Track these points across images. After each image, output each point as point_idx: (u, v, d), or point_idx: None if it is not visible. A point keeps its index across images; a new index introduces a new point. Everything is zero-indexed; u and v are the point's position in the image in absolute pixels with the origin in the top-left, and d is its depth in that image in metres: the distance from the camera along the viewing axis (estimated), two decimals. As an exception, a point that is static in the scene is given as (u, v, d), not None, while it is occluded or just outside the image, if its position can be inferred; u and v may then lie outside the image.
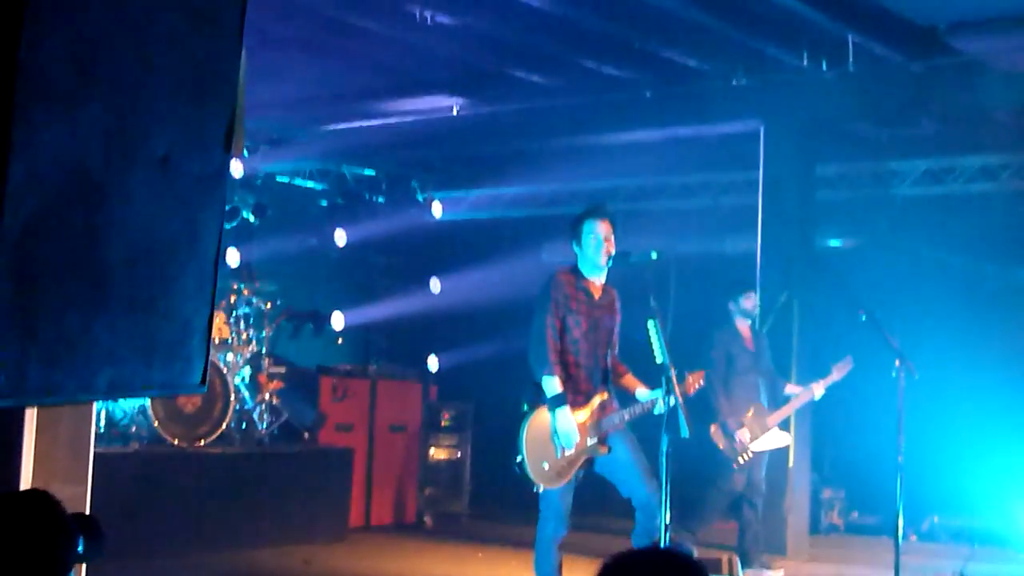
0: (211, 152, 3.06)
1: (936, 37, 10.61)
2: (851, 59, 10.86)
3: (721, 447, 10.13)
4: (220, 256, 3.23)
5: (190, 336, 3.10)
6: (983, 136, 12.51)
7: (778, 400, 10.34)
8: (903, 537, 9.69)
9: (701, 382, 7.25)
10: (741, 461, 10.07)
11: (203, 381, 3.21)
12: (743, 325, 10.40)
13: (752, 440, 10.05)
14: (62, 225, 2.64)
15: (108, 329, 2.82)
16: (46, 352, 2.62)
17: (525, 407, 7.27)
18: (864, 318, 10.03)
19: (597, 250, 7.28)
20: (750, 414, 10.09)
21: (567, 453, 7.15)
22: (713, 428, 10.15)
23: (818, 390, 10.13)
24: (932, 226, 13.44)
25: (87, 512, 4.81)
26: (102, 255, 2.77)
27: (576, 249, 7.39)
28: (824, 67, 11.11)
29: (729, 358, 10.25)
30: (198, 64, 2.97)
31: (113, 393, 2.85)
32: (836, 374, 10.11)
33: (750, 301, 10.36)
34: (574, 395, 7.28)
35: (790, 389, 10.38)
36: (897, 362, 9.65)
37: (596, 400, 7.28)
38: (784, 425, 10.33)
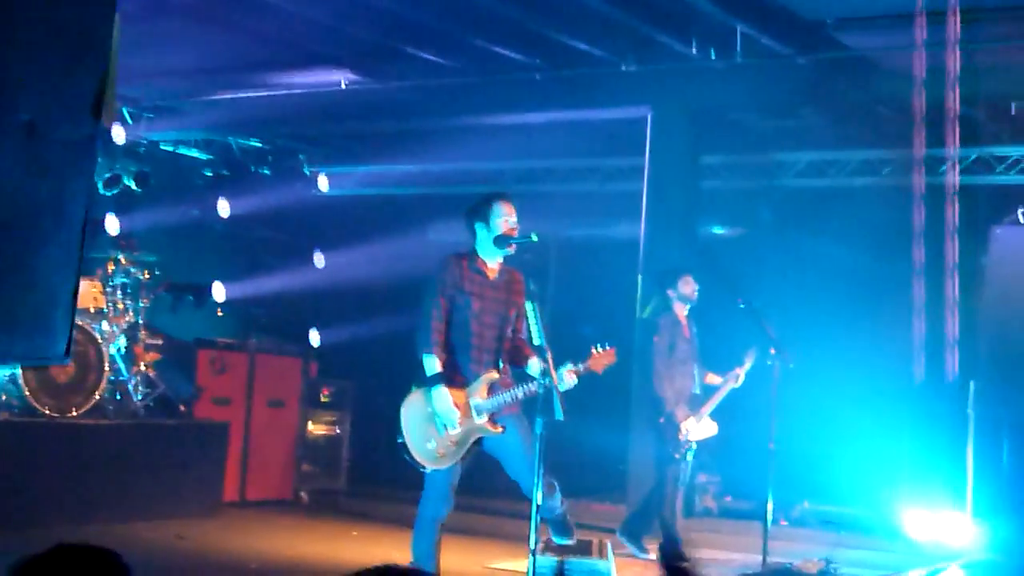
0: (80, 119, 2.99)
1: (824, 32, 10.78)
2: (739, 50, 10.97)
3: (667, 438, 10.10)
4: (88, 226, 3.15)
5: (54, 307, 3.03)
6: (866, 131, 12.72)
7: (707, 388, 10.33)
8: (773, 522, 9.86)
9: (612, 358, 7.25)
10: (683, 454, 10.06)
11: (67, 352, 3.14)
12: (681, 311, 10.32)
13: (694, 430, 10.06)
14: (-82, 190, 2.56)
15: (-33, 297, 2.75)
16: (-101, 319, 2.54)
17: (413, 387, 7.26)
18: (743, 306, 10.16)
19: (507, 230, 7.28)
20: (687, 404, 10.10)
21: (452, 432, 7.15)
22: (661, 420, 10.12)
23: (740, 378, 10.12)
24: (814, 218, 13.63)
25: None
26: (-38, 221, 2.70)
27: (481, 230, 7.35)
28: (713, 56, 11.21)
29: (672, 346, 10.21)
30: (68, 29, 2.90)
31: (-30, 363, 2.78)
32: (748, 362, 10.12)
33: (688, 286, 10.23)
34: (462, 375, 7.27)
35: (710, 379, 10.36)
36: (772, 350, 9.79)
37: (484, 380, 7.26)
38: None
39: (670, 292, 10.29)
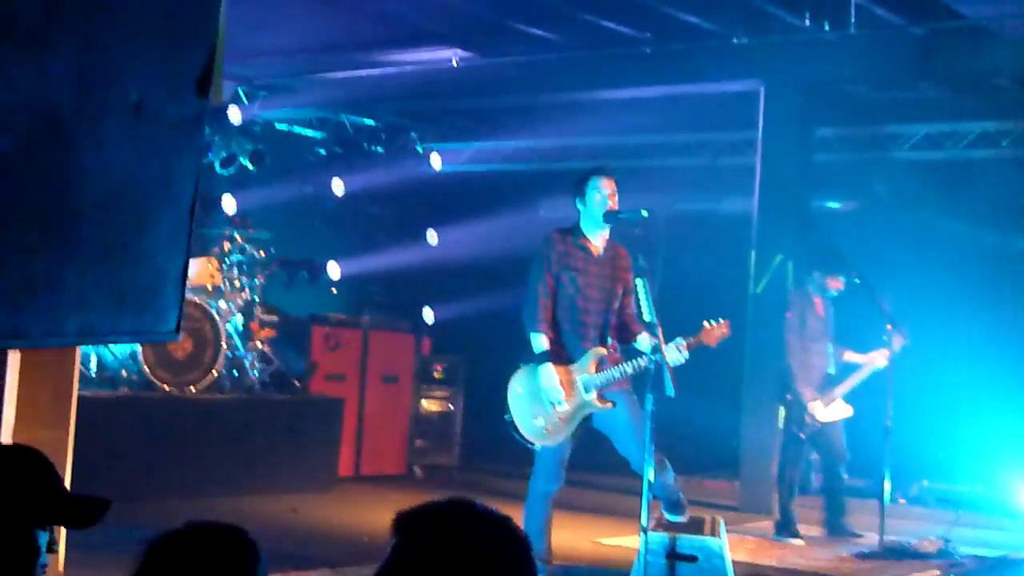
0: (186, 98, 3.03)
1: (939, 1, 10.55)
2: (853, 21, 10.78)
3: (793, 417, 10.00)
4: (200, 204, 3.20)
5: (163, 284, 3.08)
6: (984, 102, 12.45)
7: (843, 368, 10.15)
8: (891, 500, 9.75)
9: (726, 331, 7.21)
10: (808, 432, 9.94)
11: (177, 329, 3.19)
12: (816, 296, 10.17)
13: (823, 411, 9.94)
14: (31, 169, 2.62)
15: (78, 275, 2.80)
16: (11, 296, 2.60)
17: (520, 365, 7.29)
18: (858, 281, 10.03)
19: (602, 206, 7.27)
20: (819, 384, 9.97)
21: (559, 409, 7.16)
22: (788, 397, 10.02)
23: (880, 360, 9.93)
24: (930, 191, 13.39)
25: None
26: (73, 201, 2.75)
27: (580, 206, 7.38)
28: (826, 28, 11.04)
29: (803, 322, 10.06)
30: (173, 9, 2.94)
31: (83, 339, 2.84)
32: (896, 346, 9.92)
33: (836, 283, 10.08)
34: (569, 351, 7.28)
35: (849, 357, 10.19)
36: (888, 326, 9.66)
37: (592, 356, 7.26)
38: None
39: (816, 275, 10.09)
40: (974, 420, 12.29)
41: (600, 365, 7.27)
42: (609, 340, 7.41)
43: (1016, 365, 12.18)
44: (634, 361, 7.18)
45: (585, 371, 7.24)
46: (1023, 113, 12.29)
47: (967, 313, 12.22)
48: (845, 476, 10.12)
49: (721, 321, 7.21)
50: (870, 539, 9.74)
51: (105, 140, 2.77)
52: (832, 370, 10.10)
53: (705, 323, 7.18)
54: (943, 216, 13.36)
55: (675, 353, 6.91)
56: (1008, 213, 13.04)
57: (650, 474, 6.58)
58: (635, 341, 7.40)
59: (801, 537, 10.06)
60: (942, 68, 11.46)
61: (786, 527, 10.11)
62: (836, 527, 10.12)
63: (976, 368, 12.31)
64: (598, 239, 7.40)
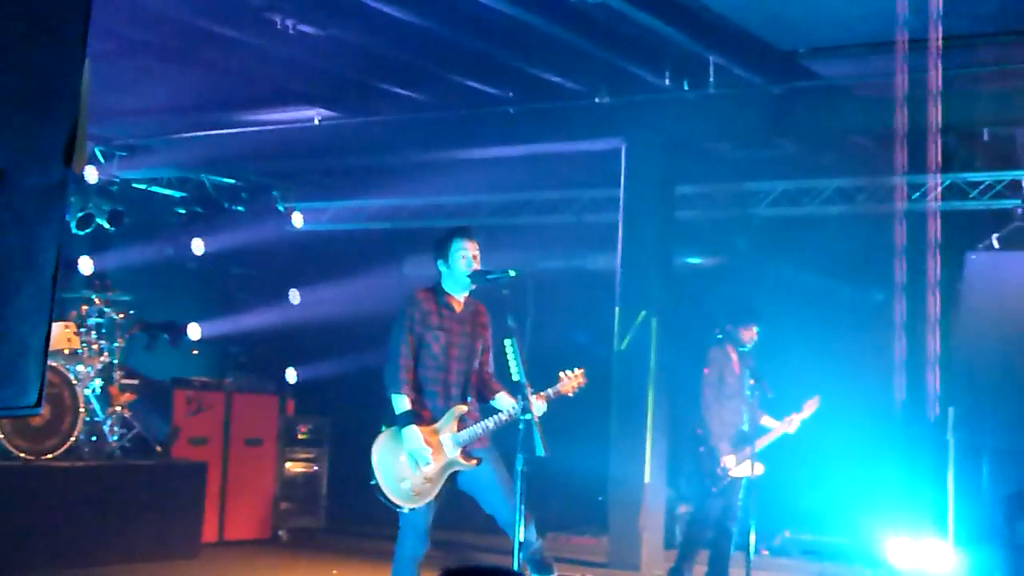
0: (50, 165, 2.94)
1: (796, 61, 10.80)
2: (712, 80, 10.99)
3: (705, 471, 10.02)
4: (59, 272, 3.10)
5: (25, 357, 2.97)
6: (840, 159, 12.75)
7: (757, 426, 10.23)
8: (755, 552, 9.82)
9: (582, 380, 7.25)
10: (719, 486, 9.96)
11: (38, 402, 3.08)
12: (731, 349, 10.24)
13: (735, 467, 9.97)
14: None
15: (-64, 349, 2.69)
16: None
17: (383, 427, 7.22)
18: (720, 336, 10.17)
19: (467, 268, 7.27)
20: (733, 440, 10.02)
21: (426, 470, 7.10)
22: (701, 449, 10.05)
23: (794, 424, 10.03)
24: (789, 246, 13.65)
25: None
26: (-70, 272, 2.65)
27: (443, 267, 7.37)
28: (686, 87, 11.23)
29: (720, 379, 10.12)
30: (36, 74, 2.85)
31: (-60, 416, 2.73)
32: (807, 411, 10.06)
33: (749, 333, 10.16)
34: (431, 411, 7.25)
35: (765, 421, 10.27)
36: (751, 381, 9.77)
37: (454, 414, 7.24)
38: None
39: (728, 327, 10.17)
40: (834, 470, 12.48)
41: (462, 423, 7.25)
42: (469, 398, 7.40)
43: (875, 416, 12.42)
44: (495, 417, 7.19)
45: (448, 429, 7.22)
46: (877, 169, 12.60)
47: (827, 365, 12.42)
48: (733, 532, 10.17)
49: (576, 371, 7.27)
50: None
51: (-35, 210, 2.68)
52: (746, 427, 10.17)
53: (561, 374, 7.24)
54: (802, 270, 13.62)
55: (536, 404, 6.90)
56: (864, 266, 13.34)
57: (521, 533, 6.56)
58: (493, 399, 7.41)
59: None
60: (799, 126, 11.72)
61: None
62: None
63: (835, 418, 12.50)
64: (460, 297, 7.41)
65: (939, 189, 11.96)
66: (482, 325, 7.48)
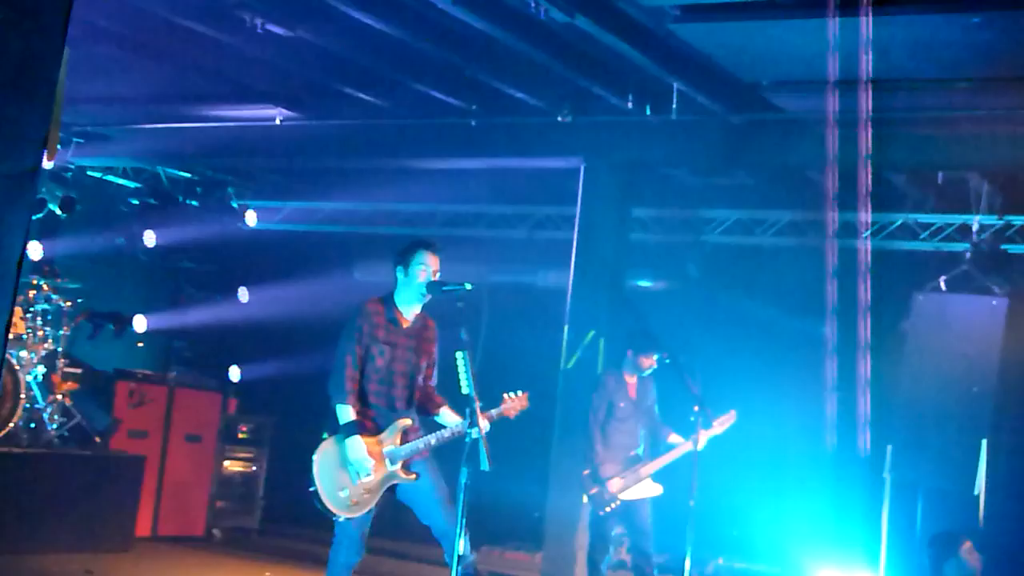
0: (25, 151, 2.95)
1: (758, 93, 10.89)
2: (675, 106, 11.07)
3: (592, 493, 10.08)
4: (24, 257, 3.10)
5: (-15, 341, 2.97)
6: (794, 192, 12.86)
7: (659, 448, 10.27)
8: (688, 578, 9.87)
9: (525, 403, 7.29)
10: (608, 509, 10.01)
11: (-5, 387, 3.08)
12: (630, 376, 10.30)
13: (623, 489, 10.00)
14: None
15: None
16: None
17: (324, 435, 7.22)
18: (667, 361, 10.22)
19: (425, 281, 7.28)
20: (623, 463, 10.06)
21: (365, 481, 7.10)
22: (585, 473, 10.11)
23: (701, 441, 10.04)
24: (739, 275, 13.74)
25: None
26: None
27: (401, 275, 7.37)
28: (648, 111, 11.30)
29: (610, 405, 10.15)
30: (17, 62, 2.86)
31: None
32: (718, 427, 10.09)
33: (648, 361, 10.20)
34: (374, 423, 7.25)
35: (673, 439, 10.30)
36: (695, 407, 9.83)
37: (397, 427, 7.26)
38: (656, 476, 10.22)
39: (629, 354, 10.23)
40: (771, 499, 12.57)
41: (404, 437, 7.27)
42: (412, 411, 7.42)
43: (812, 449, 12.52)
44: (438, 433, 7.23)
45: (391, 442, 7.23)
46: (826, 204, 12.70)
47: (768, 395, 12.51)
48: (653, 554, 10.20)
49: (520, 393, 7.32)
50: None
51: (-65, 191, 2.68)
52: (640, 451, 10.23)
53: (505, 396, 7.28)
54: (750, 299, 13.72)
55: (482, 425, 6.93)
56: (809, 299, 13.44)
57: (460, 546, 6.58)
58: (438, 414, 7.44)
59: None
60: (756, 157, 11.81)
61: None
62: None
63: (775, 449, 12.62)
64: (411, 311, 7.41)
65: (869, 242, 12.05)
66: (428, 340, 7.50)
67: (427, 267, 7.31)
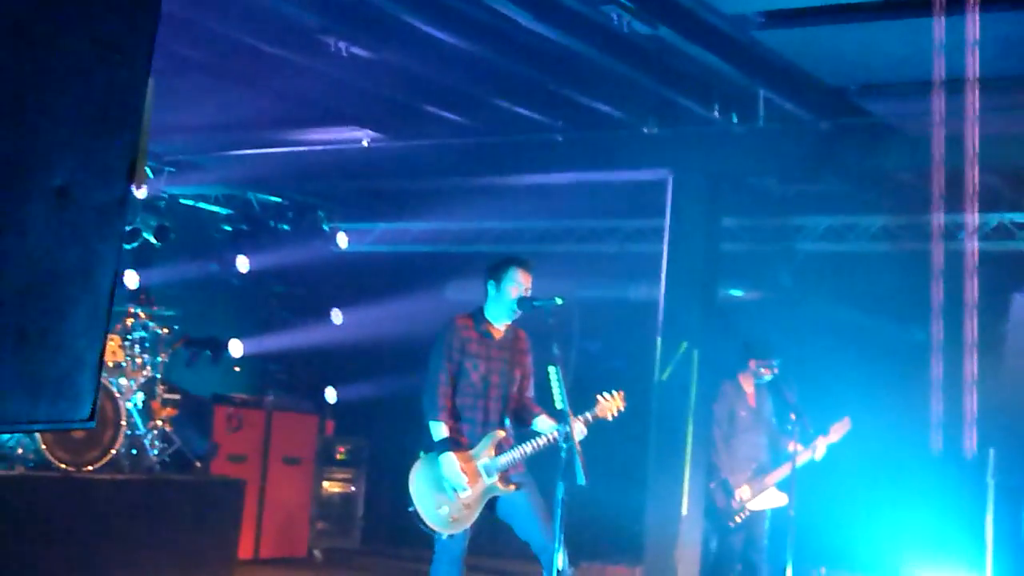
0: (112, 183, 2.97)
1: (846, 97, 10.77)
2: (761, 114, 10.98)
3: (720, 505, 10.06)
4: (116, 288, 3.14)
5: (80, 371, 3.00)
6: (885, 196, 12.69)
7: (780, 458, 10.24)
8: (792, 588, 9.78)
9: (621, 405, 7.24)
10: (738, 520, 9.99)
11: (92, 416, 3.11)
12: (747, 382, 10.29)
13: (751, 499, 9.98)
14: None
15: (-6, 362, 2.72)
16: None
17: (420, 453, 7.22)
18: (778, 371, 10.16)
19: (516, 298, 7.28)
20: (750, 472, 10.04)
21: (463, 496, 7.10)
22: (712, 485, 10.10)
23: (820, 449, 9.99)
24: (832, 282, 13.59)
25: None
26: (-8, 287, 2.68)
27: (492, 291, 7.37)
28: (735, 120, 11.22)
29: (732, 414, 10.16)
30: (103, 94, 2.89)
31: (-3, 428, 2.75)
32: (834, 435, 10.05)
33: (765, 368, 10.21)
34: (469, 437, 7.25)
35: (792, 447, 10.27)
36: (792, 416, 9.74)
37: (491, 439, 7.25)
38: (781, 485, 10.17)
39: (751, 364, 10.22)
40: (873, 508, 12.40)
41: (499, 448, 7.26)
42: (507, 423, 7.40)
43: (914, 454, 12.33)
44: (533, 441, 7.18)
45: (486, 455, 7.22)
46: (921, 208, 12.53)
47: (868, 403, 12.34)
48: (764, 569, 10.11)
49: (615, 393, 7.26)
50: None
51: (28, 226, 2.71)
52: (764, 459, 10.18)
53: (599, 397, 7.23)
54: (844, 307, 13.55)
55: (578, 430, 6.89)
56: (906, 305, 13.25)
57: (559, 561, 6.55)
58: (533, 424, 7.41)
59: None
60: (846, 162, 11.67)
61: None
62: None
63: (876, 457, 12.45)
64: (501, 325, 7.40)
65: (976, 238, 11.85)
66: (522, 351, 7.49)
67: (519, 284, 7.31)
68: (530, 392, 7.54)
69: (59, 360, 2.96)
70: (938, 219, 11.59)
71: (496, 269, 7.42)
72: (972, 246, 11.65)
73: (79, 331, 3.00)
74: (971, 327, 11.38)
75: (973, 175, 10.88)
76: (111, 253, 3.06)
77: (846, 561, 13.07)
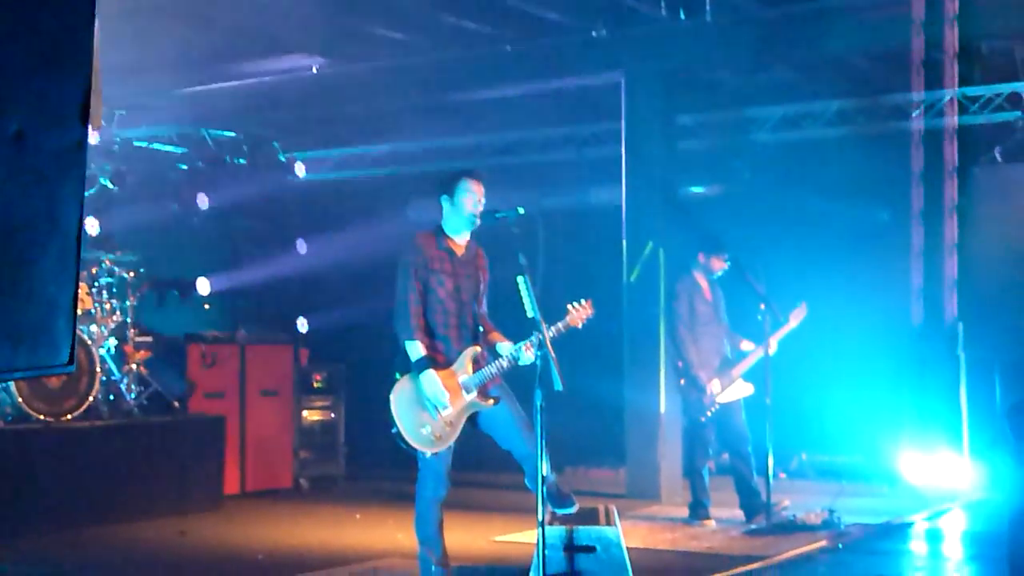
0: (68, 125, 2.97)
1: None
2: (708, 8, 10.97)
3: (691, 400, 10.19)
4: (82, 231, 3.14)
5: (55, 316, 3.01)
6: (839, 81, 12.73)
7: (736, 355, 10.35)
8: (773, 476, 9.94)
9: (590, 311, 7.29)
10: (708, 414, 10.12)
11: (70, 361, 3.13)
12: (701, 278, 10.37)
13: (721, 392, 10.10)
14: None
15: (-32, 313, 2.73)
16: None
17: (397, 375, 7.25)
18: (728, 264, 10.25)
19: (473, 208, 7.27)
20: (716, 365, 10.17)
21: (445, 414, 7.15)
22: (682, 382, 10.21)
23: (773, 344, 10.08)
24: (791, 170, 13.65)
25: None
26: (-43, 238, 2.69)
27: (447, 205, 7.36)
28: (682, 16, 11.20)
29: (692, 309, 10.24)
30: (49, 36, 2.88)
31: (-24, 378, 2.76)
32: (792, 322, 10.15)
33: (718, 263, 10.28)
34: (445, 355, 7.28)
35: (745, 346, 10.37)
36: (762, 306, 9.84)
37: (467, 356, 7.29)
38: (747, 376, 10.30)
39: (701, 257, 10.29)
40: (846, 391, 12.57)
41: (476, 363, 7.30)
42: (480, 338, 7.44)
43: (881, 333, 12.49)
44: (509, 355, 7.21)
45: (464, 372, 7.26)
46: (877, 89, 12.58)
47: (833, 288, 12.47)
48: (751, 455, 10.26)
49: (584, 302, 7.30)
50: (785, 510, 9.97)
51: (-12, 174, 2.72)
52: (726, 351, 10.31)
53: (569, 306, 7.27)
54: (805, 194, 13.63)
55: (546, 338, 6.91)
56: (867, 187, 13.35)
57: (544, 468, 6.61)
58: (489, 339, 7.44)
59: (712, 519, 10.24)
60: (796, 50, 11.70)
61: (697, 510, 10.30)
62: (752, 507, 10.20)
63: (846, 339, 12.60)
64: (461, 239, 7.41)
65: (956, 105, 11.94)
66: (482, 267, 7.51)
67: (472, 194, 7.29)
68: (483, 308, 7.56)
69: (33, 307, 2.97)
70: (911, 97, 11.67)
71: (447, 183, 7.40)
72: (952, 121, 11.75)
73: (50, 276, 3.01)
74: (951, 191, 11.51)
75: (953, 45, 10.95)
76: (74, 196, 3.06)
77: (824, 445, 13.28)
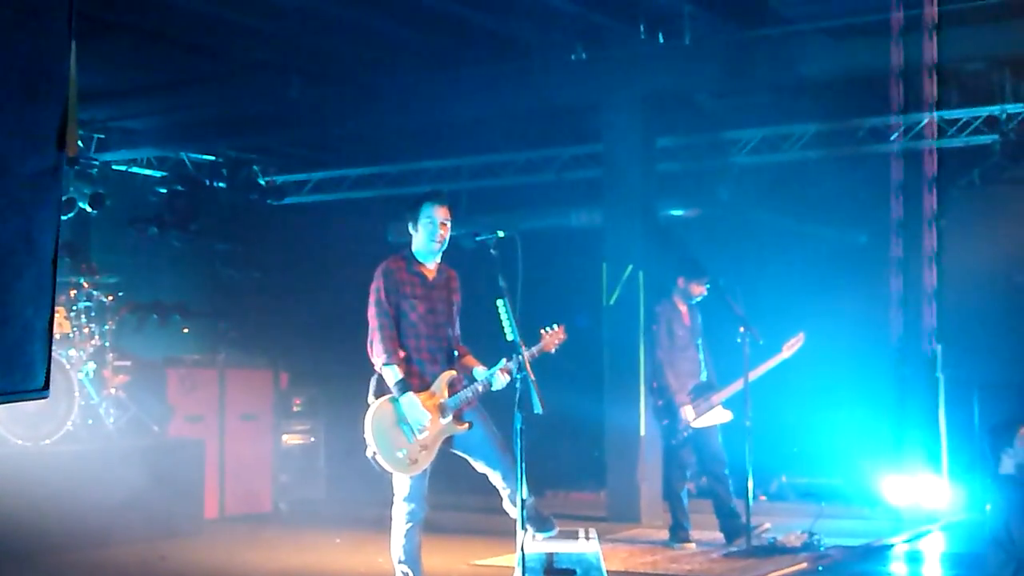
0: (44, 150, 2.96)
1: (766, 5, 10.82)
2: (687, 31, 11.01)
3: (664, 424, 10.21)
4: (58, 255, 3.13)
5: (30, 341, 3.00)
6: (817, 103, 12.77)
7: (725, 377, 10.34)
8: (753, 498, 9.93)
9: (562, 336, 7.30)
10: (680, 438, 10.12)
11: (46, 386, 3.11)
12: (680, 302, 10.39)
13: (696, 418, 10.10)
14: None
15: (-57, 338, 2.72)
16: None
17: (369, 401, 7.23)
18: (708, 286, 10.27)
19: (432, 235, 7.27)
20: (692, 389, 10.17)
21: (421, 438, 7.14)
22: (660, 403, 10.22)
23: (761, 371, 10.06)
24: (770, 193, 13.69)
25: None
26: (-67, 262, 2.68)
27: (413, 231, 7.37)
28: (661, 39, 11.24)
29: (670, 333, 10.26)
30: (25, 60, 2.88)
31: (-49, 403, 2.75)
32: (786, 352, 10.15)
33: (699, 288, 10.30)
34: (419, 379, 7.27)
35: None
36: (741, 328, 9.85)
37: (443, 379, 7.28)
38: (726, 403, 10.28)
39: (680, 282, 10.32)
40: (827, 414, 12.58)
41: (452, 387, 7.29)
42: (455, 362, 7.43)
43: (862, 356, 12.51)
44: (483, 379, 7.21)
45: (440, 395, 7.25)
46: (855, 112, 12.63)
47: (813, 309, 12.50)
48: (728, 477, 10.26)
49: (556, 327, 7.32)
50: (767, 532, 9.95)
51: (-37, 198, 2.71)
52: (704, 376, 10.32)
53: (542, 331, 7.28)
54: (784, 216, 13.67)
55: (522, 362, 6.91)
56: (845, 209, 13.40)
57: (524, 492, 6.60)
58: (462, 363, 7.43)
59: (692, 542, 10.22)
60: (775, 72, 11.73)
61: (678, 533, 10.29)
62: (732, 529, 10.18)
63: (826, 361, 12.60)
64: (432, 264, 7.40)
65: (935, 124, 12.01)
66: (454, 290, 7.51)
67: (434, 218, 7.29)
68: (457, 331, 7.56)
69: (8, 331, 2.96)
70: (893, 120, 11.74)
71: (412, 209, 7.40)
72: (931, 129, 11.81)
73: (26, 300, 3.00)
74: (930, 204, 11.55)
75: (932, 66, 11.01)
76: (50, 220, 3.06)
77: (805, 467, 13.28)
